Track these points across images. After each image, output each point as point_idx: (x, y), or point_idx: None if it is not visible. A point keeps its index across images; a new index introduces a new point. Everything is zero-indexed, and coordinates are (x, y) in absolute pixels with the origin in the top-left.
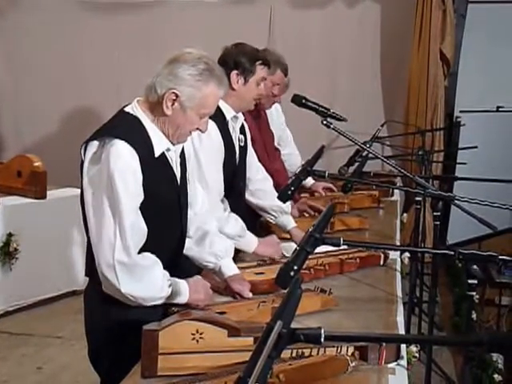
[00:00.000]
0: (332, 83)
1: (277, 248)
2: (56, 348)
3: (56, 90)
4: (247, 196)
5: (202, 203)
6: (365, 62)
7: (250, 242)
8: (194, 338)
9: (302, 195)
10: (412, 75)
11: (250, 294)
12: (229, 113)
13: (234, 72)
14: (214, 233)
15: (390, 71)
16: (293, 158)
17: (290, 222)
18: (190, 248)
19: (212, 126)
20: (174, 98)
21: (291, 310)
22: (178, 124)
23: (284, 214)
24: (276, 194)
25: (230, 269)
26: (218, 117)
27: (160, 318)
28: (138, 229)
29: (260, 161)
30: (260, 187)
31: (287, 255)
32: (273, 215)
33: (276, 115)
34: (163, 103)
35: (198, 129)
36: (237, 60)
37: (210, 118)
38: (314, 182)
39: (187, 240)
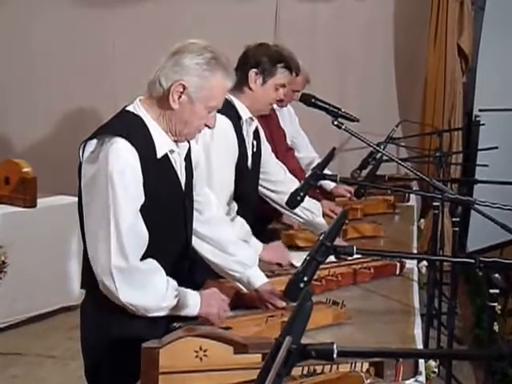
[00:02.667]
0: (342, 80)
1: (283, 254)
2: (49, 368)
3: (46, 91)
4: (275, 198)
5: (216, 208)
6: (377, 58)
7: (255, 247)
8: (197, 356)
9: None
10: (428, 71)
11: (284, 304)
12: (244, 114)
13: (253, 70)
14: (233, 241)
15: (405, 68)
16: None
17: (323, 226)
18: (215, 253)
19: (228, 125)
20: (182, 89)
21: (301, 324)
22: (185, 119)
23: (316, 217)
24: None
25: (258, 278)
26: (234, 116)
27: (162, 334)
28: (137, 232)
29: None
30: (290, 190)
31: (297, 265)
32: (305, 217)
33: (288, 117)
34: (169, 96)
35: (206, 125)
36: (258, 59)
37: (227, 116)
38: (334, 184)
39: (207, 246)
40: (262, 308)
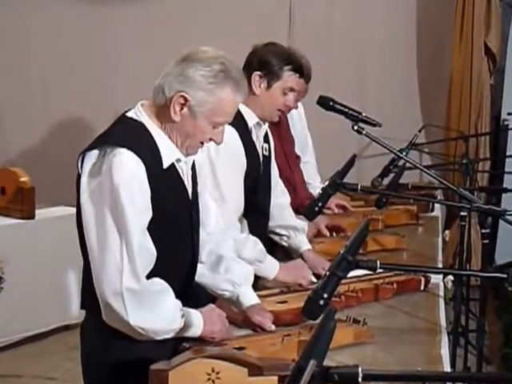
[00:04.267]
0: (361, 82)
1: (303, 273)
2: None
3: (44, 96)
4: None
5: (216, 222)
6: (398, 58)
7: (271, 267)
8: (209, 379)
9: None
10: (453, 72)
11: (273, 327)
12: (251, 119)
13: (257, 73)
14: (230, 257)
15: (428, 68)
16: (308, 168)
17: (303, 244)
18: (203, 274)
19: (232, 133)
20: (183, 101)
21: (324, 345)
22: (187, 132)
23: (299, 234)
24: (292, 212)
25: (249, 298)
26: (240, 123)
27: (170, 356)
28: (146, 251)
29: (281, 173)
30: (277, 203)
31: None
32: (286, 236)
33: (298, 119)
34: (171, 107)
35: (211, 139)
36: (262, 60)
37: (231, 124)
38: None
39: (199, 265)
40: (254, 330)
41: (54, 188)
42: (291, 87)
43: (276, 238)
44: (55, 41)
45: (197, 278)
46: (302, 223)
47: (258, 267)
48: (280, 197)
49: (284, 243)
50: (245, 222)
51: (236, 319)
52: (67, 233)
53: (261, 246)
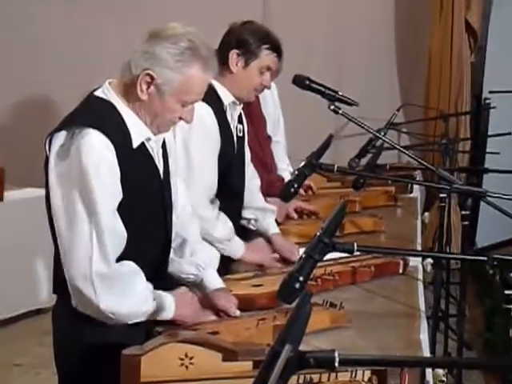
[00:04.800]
0: (338, 60)
1: (266, 253)
2: (17, 377)
3: (12, 75)
4: None
5: (183, 205)
6: (377, 35)
7: (238, 247)
8: (182, 364)
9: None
10: (433, 50)
11: (238, 312)
12: (227, 98)
13: (235, 51)
14: (195, 240)
15: (407, 45)
16: (278, 149)
17: (271, 227)
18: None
19: (207, 111)
20: (150, 80)
21: (299, 330)
22: (155, 111)
23: (267, 217)
24: (261, 195)
25: (213, 282)
26: (215, 101)
27: (143, 340)
28: (116, 233)
29: (252, 154)
30: (247, 186)
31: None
32: (254, 219)
33: (271, 98)
34: (137, 85)
35: (181, 118)
36: (240, 38)
37: (206, 102)
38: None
39: None
40: (214, 315)
41: (23, 169)
42: (268, 66)
43: (244, 222)
44: (20, 17)
45: None
46: (271, 206)
47: (226, 246)
48: (250, 179)
49: (252, 227)
50: (217, 201)
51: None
52: (37, 215)
53: (230, 224)
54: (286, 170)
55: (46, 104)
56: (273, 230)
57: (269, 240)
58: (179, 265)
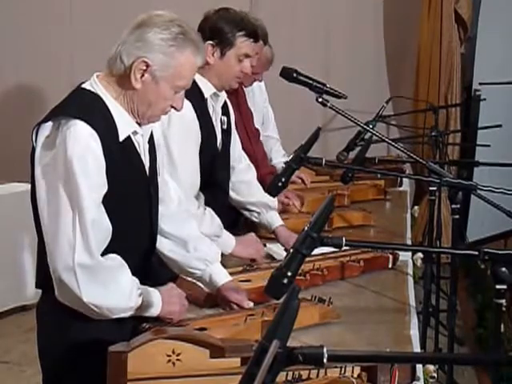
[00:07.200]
0: (326, 52)
1: (257, 247)
2: (2, 375)
3: None
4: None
5: (178, 200)
6: (365, 26)
7: (227, 242)
8: (169, 360)
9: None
10: (422, 41)
11: (251, 304)
12: (208, 90)
13: (209, 43)
14: (196, 236)
15: (396, 36)
16: (271, 143)
17: (275, 219)
18: (173, 251)
19: (185, 105)
20: (144, 67)
21: (287, 325)
22: (149, 100)
23: (270, 210)
24: (260, 187)
25: (221, 276)
26: (195, 94)
27: (129, 337)
28: (100, 226)
29: (243, 146)
30: (243, 179)
31: (279, 258)
32: (256, 212)
33: (259, 92)
34: (131, 75)
35: (172, 107)
36: (214, 28)
37: (185, 95)
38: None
39: (166, 241)
40: (225, 309)
41: (6, 164)
42: (246, 53)
43: (246, 213)
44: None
45: (167, 253)
46: (272, 199)
47: (216, 242)
48: (246, 172)
49: (255, 219)
50: (202, 197)
51: (197, 299)
52: (22, 210)
53: (218, 220)
54: (282, 163)
55: (26, 100)
56: (277, 222)
57: (273, 232)
58: (185, 259)
